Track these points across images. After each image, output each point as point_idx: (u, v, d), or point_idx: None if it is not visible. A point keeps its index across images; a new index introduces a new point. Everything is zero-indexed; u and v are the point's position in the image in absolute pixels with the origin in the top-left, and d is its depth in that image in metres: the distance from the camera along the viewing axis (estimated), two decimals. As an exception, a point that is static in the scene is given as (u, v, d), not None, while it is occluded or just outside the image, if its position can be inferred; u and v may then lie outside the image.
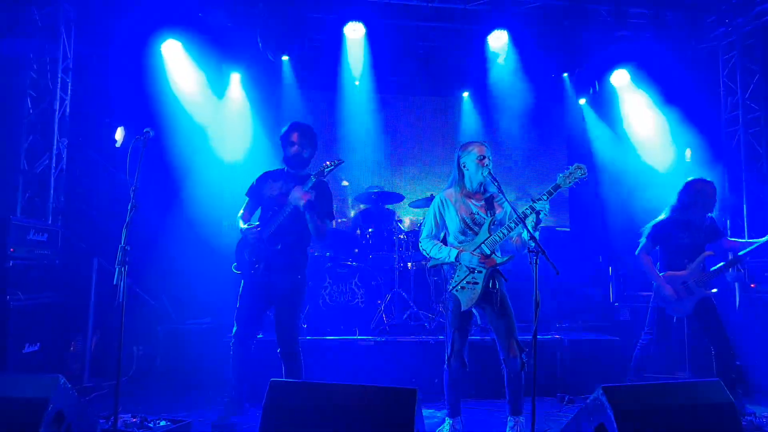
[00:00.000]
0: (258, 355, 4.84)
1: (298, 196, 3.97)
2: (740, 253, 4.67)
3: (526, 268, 3.31)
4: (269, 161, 4.11)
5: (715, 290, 4.67)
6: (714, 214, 4.85)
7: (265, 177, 4.35)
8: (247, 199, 4.36)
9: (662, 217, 4.82)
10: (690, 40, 7.24)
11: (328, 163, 4.06)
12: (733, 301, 6.54)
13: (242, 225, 4.18)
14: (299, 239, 4.22)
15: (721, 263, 4.69)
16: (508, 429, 3.92)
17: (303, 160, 4.25)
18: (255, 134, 7.90)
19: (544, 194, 3.68)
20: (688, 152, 7.50)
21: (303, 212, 4.01)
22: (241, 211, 4.32)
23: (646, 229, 4.84)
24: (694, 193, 4.69)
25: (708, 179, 4.75)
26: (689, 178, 4.80)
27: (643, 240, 4.82)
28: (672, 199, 4.82)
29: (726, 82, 7.30)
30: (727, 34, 7.18)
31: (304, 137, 4.23)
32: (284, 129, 4.28)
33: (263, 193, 4.27)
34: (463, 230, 3.97)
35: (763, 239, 4.64)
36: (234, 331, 4.20)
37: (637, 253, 4.84)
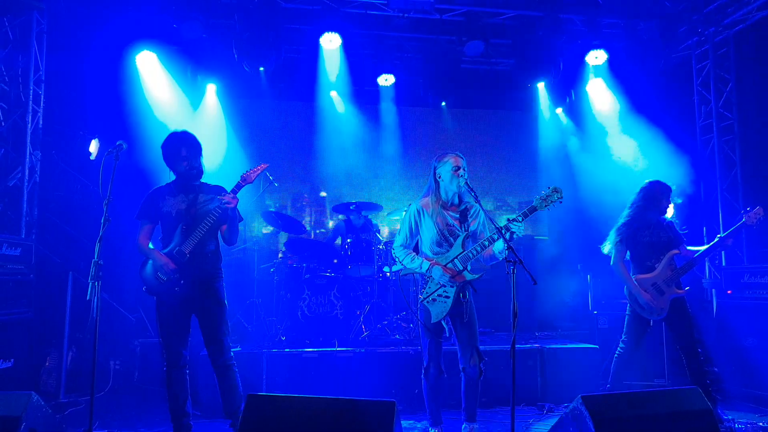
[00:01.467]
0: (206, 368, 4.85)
1: (227, 201, 3.82)
2: (695, 255, 4.77)
3: (504, 278, 3.32)
4: (243, 170, 4.03)
5: (687, 288, 4.73)
6: (675, 220, 4.99)
7: (158, 195, 4.08)
8: (141, 221, 4.07)
9: (624, 219, 4.87)
10: (663, 49, 7.35)
11: (252, 169, 3.99)
12: (711, 308, 6.63)
13: (155, 255, 3.92)
14: (217, 246, 4.10)
15: (685, 263, 4.76)
16: None
17: (196, 173, 4.06)
18: (230, 144, 7.88)
19: (519, 215, 3.72)
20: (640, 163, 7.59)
21: (226, 217, 3.92)
22: (142, 238, 4.03)
23: (612, 235, 4.87)
24: (651, 195, 4.81)
25: (666, 183, 4.86)
26: (646, 181, 4.90)
27: (612, 249, 4.84)
28: (629, 200, 4.91)
29: (700, 90, 7.43)
30: (699, 44, 7.32)
31: (190, 148, 4.04)
32: (165, 146, 4.06)
33: (161, 211, 4.01)
34: (440, 242, 3.99)
35: (713, 242, 4.74)
36: (167, 358, 3.93)
37: (612, 263, 4.86)
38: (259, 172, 4.00)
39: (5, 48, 5.78)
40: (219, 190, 4.11)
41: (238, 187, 3.93)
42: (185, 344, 3.97)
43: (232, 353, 3.99)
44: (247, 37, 6.67)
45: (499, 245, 3.71)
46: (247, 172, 3.96)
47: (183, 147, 4.00)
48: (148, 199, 4.08)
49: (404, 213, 4.21)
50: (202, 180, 4.15)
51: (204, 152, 4.15)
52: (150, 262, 3.95)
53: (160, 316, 3.95)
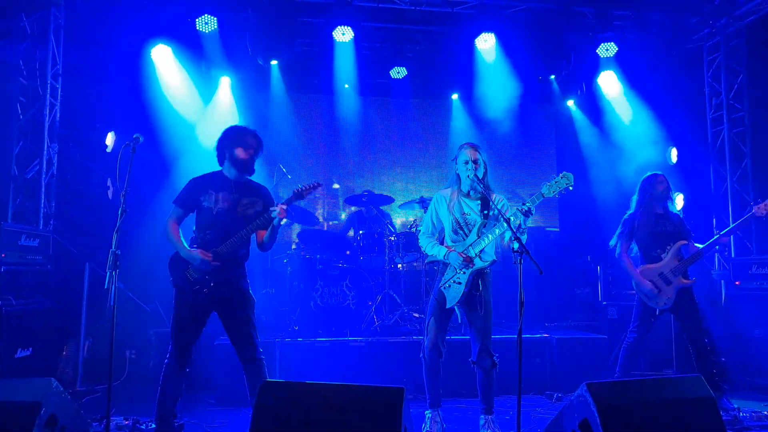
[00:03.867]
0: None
1: (279, 212, 3.70)
2: (702, 246, 4.83)
3: (514, 268, 3.37)
4: (256, 164, 4.02)
5: (694, 279, 4.78)
6: (680, 212, 5.10)
7: (200, 185, 3.89)
8: (177, 207, 3.88)
9: (628, 213, 5.03)
10: (675, 41, 7.33)
11: (307, 186, 3.87)
12: (719, 299, 6.64)
13: (185, 248, 3.75)
14: (248, 249, 3.96)
15: (692, 253, 4.81)
16: (480, 427, 4.03)
17: (251, 167, 3.92)
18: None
19: (528, 201, 3.75)
20: (673, 152, 7.59)
21: (270, 226, 3.82)
22: (172, 223, 3.85)
23: (618, 228, 5.01)
24: (642, 188, 4.95)
25: (658, 173, 4.98)
26: (645, 175, 5.02)
27: (617, 241, 4.97)
28: (634, 196, 5.04)
29: (711, 82, 7.40)
30: (711, 35, 7.29)
31: (257, 141, 3.92)
32: (231, 129, 3.95)
33: (200, 204, 3.83)
34: (455, 230, 4.07)
35: (723, 232, 4.85)
36: (172, 353, 3.77)
37: (617, 254, 4.97)
38: (312, 190, 3.87)
39: (23, 42, 5.88)
40: (265, 193, 3.98)
41: (291, 200, 3.83)
42: (195, 343, 3.83)
43: (260, 347, 3.87)
44: (261, 30, 6.73)
45: (509, 234, 3.76)
46: (301, 187, 3.85)
47: (249, 135, 3.89)
48: (190, 187, 3.89)
49: (416, 201, 4.24)
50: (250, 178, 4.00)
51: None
52: (181, 254, 3.76)
53: (178, 309, 3.80)
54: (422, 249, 4.25)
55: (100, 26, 6.53)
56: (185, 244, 3.79)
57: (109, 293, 3.30)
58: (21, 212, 5.79)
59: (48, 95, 5.98)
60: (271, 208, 3.78)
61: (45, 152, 5.93)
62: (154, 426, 3.92)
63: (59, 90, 6.14)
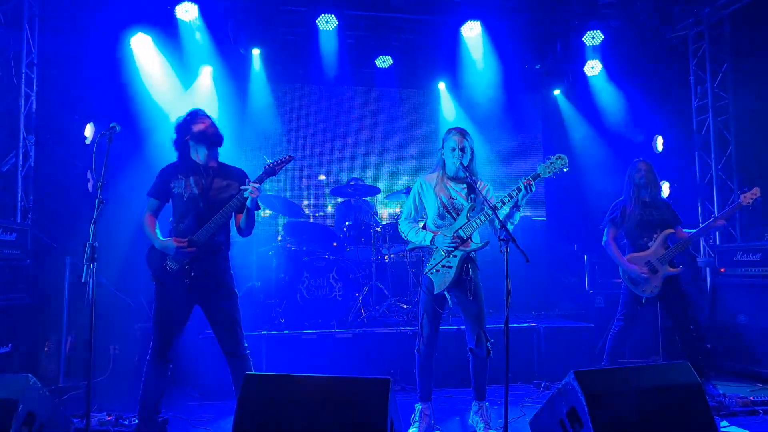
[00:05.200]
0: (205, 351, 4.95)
1: (251, 190, 3.57)
2: (690, 235, 4.86)
3: (500, 257, 3.34)
4: (236, 155, 3.93)
5: (681, 267, 4.79)
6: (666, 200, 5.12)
7: (170, 172, 3.78)
8: (150, 199, 3.79)
9: (618, 199, 5.04)
10: (660, 30, 7.33)
11: (278, 161, 3.74)
12: (704, 286, 6.68)
13: (159, 239, 3.66)
14: (227, 236, 3.84)
15: (679, 242, 4.84)
16: (472, 413, 4.05)
17: (216, 137, 3.80)
18: (223, 129, 7.81)
19: (523, 182, 3.73)
20: (659, 141, 7.60)
21: (248, 206, 3.69)
22: (148, 216, 3.77)
23: (606, 214, 5.03)
24: (627, 176, 4.97)
25: (645, 160, 4.98)
26: (635, 161, 5.01)
27: (603, 228, 5.00)
28: (623, 184, 5.05)
29: (696, 70, 7.41)
30: (696, 24, 7.27)
31: (209, 116, 3.81)
32: (179, 118, 3.82)
33: (172, 191, 3.73)
34: (441, 214, 4.00)
35: (707, 223, 4.90)
36: (154, 348, 3.70)
37: (603, 242, 4.97)
38: (284, 164, 3.75)
39: (-4, 31, 5.74)
40: (240, 175, 3.85)
41: (262, 177, 3.69)
42: (179, 338, 3.74)
43: (245, 342, 3.79)
44: (243, 18, 6.63)
45: (505, 211, 3.75)
46: (272, 163, 3.72)
47: (199, 112, 3.81)
48: (159, 176, 3.79)
49: (403, 192, 4.18)
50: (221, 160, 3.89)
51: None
52: (156, 246, 3.67)
53: (159, 303, 3.71)
54: (403, 234, 4.13)
55: (76, 14, 6.37)
56: (159, 235, 3.70)
57: (86, 287, 3.21)
58: (-3, 206, 5.67)
59: (23, 85, 5.83)
60: (242, 188, 3.65)
61: (21, 144, 5.79)
62: (137, 422, 3.86)
63: (35, 80, 6.00)
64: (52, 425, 3.14)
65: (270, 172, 3.73)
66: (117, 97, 6.78)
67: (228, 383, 3.80)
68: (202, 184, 3.73)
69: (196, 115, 3.80)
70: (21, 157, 5.78)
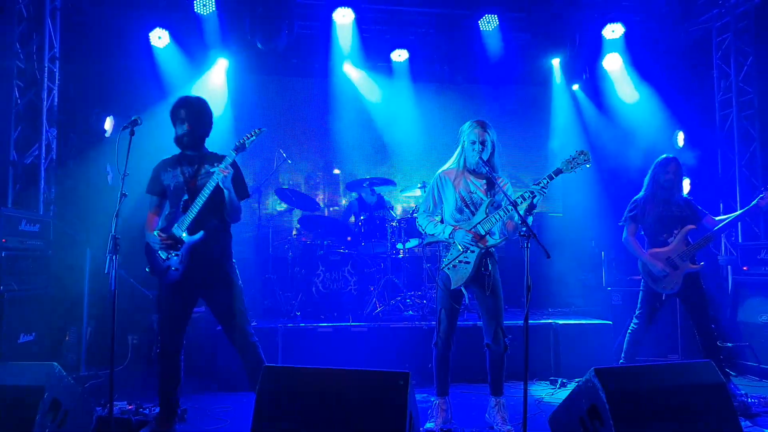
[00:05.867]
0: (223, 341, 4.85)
1: (219, 171, 3.54)
2: (715, 228, 4.77)
3: (518, 253, 3.31)
4: (253, 148, 3.90)
5: (702, 264, 4.73)
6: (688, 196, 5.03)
7: (161, 166, 3.86)
8: (150, 196, 3.85)
9: (636, 196, 4.97)
10: (682, 22, 7.22)
11: (247, 135, 3.69)
12: (726, 285, 6.59)
13: (149, 232, 3.72)
14: (221, 222, 3.78)
15: (700, 238, 4.76)
16: (489, 408, 4.01)
17: (192, 142, 3.79)
18: (239, 123, 7.86)
19: (545, 178, 3.69)
20: (680, 136, 7.51)
21: (222, 189, 3.61)
22: (149, 213, 3.84)
23: (626, 211, 4.96)
24: (651, 172, 4.89)
25: (671, 156, 4.89)
26: (659, 158, 4.91)
27: (623, 224, 4.93)
28: (646, 177, 4.97)
29: (719, 64, 7.28)
30: (720, 16, 7.15)
31: (191, 109, 3.76)
32: (172, 106, 3.82)
33: (164, 184, 3.79)
34: (460, 208, 3.96)
35: (735, 214, 4.82)
36: (160, 340, 3.73)
37: (623, 238, 4.91)
38: (252, 138, 3.69)
39: (20, 25, 5.79)
40: (220, 158, 3.77)
41: (231, 155, 3.65)
42: (182, 330, 3.75)
43: (251, 330, 3.80)
44: (260, 12, 6.63)
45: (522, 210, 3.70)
46: (241, 140, 3.70)
47: (183, 108, 3.75)
48: (153, 172, 3.87)
49: (418, 186, 4.14)
50: (211, 150, 3.90)
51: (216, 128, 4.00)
52: (148, 240, 3.73)
53: (160, 297, 3.77)
54: (421, 228, 4.09)
55: (97, 9, 6.43)
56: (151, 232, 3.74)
57: (109, 278, 3.25)
58: (21, 198, 5.75)
59: (45, 79, 5.90)
60: (210, 170, 3.63)
61: (44, 137, 5.87)
62: (157, 410, 3.91)
63: (57, 74, 6.06)
64: (77, 413, 3.19)
65: (240, 148, 3.69)
66: (136, 90, 6.83)
67: (245, 375, 3.82)
68: (186, 172, 3.76)
69: (175, 116, 3.80)
70: (44, 150, 5.85)
